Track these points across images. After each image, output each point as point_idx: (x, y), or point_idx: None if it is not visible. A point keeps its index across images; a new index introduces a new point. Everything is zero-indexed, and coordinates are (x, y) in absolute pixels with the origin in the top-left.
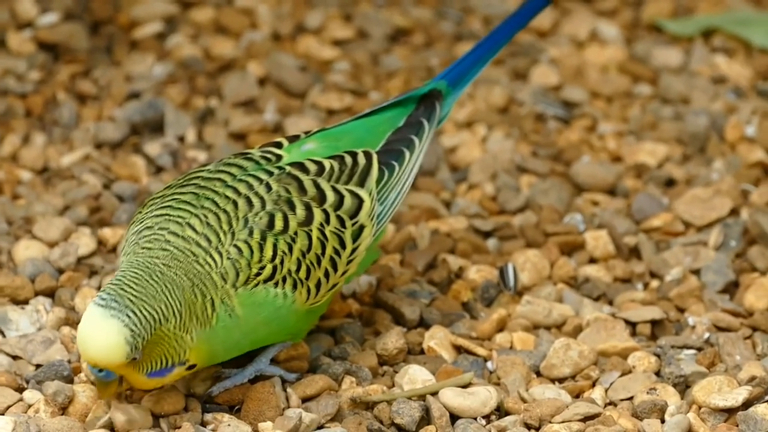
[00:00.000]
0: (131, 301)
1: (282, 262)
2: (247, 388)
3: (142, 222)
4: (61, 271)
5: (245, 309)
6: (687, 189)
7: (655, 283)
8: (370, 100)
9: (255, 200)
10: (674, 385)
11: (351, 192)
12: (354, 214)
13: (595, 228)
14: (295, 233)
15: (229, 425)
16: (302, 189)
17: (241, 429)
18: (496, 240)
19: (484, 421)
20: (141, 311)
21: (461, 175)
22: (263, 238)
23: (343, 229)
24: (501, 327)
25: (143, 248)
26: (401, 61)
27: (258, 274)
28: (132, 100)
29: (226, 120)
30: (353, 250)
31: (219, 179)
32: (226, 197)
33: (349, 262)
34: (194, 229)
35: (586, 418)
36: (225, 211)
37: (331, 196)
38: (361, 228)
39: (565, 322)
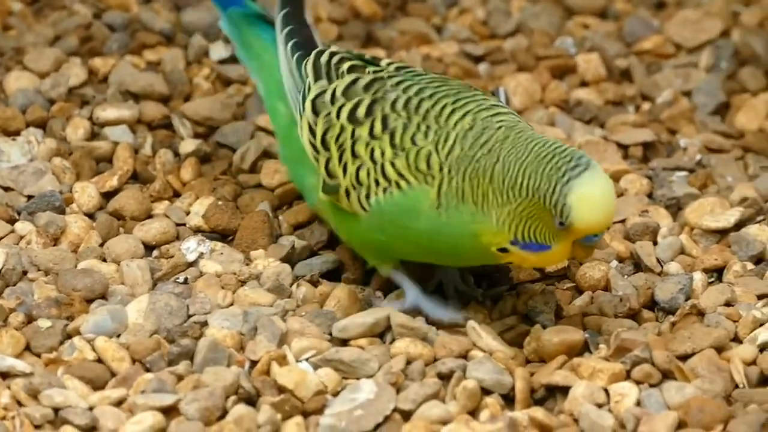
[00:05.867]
0: None
1: None
2: (241, 216)
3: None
4: (52, 102)
5: None
6: (677, 11)
7: (646, 106)
8: None
9: None
10: (666, 207)
11: None
12: None
13: (586, 51)
14: None
15: (222, 253)
16: None
17: (234, 257)
18: (487, 64)
19: None
20: None
21: (452, 0)
22: None
23: None
24: None
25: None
26: None
27: None
28: None
29: None
30: None
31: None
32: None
33: None
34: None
35: None
36: None
37: None
38: None
39: None
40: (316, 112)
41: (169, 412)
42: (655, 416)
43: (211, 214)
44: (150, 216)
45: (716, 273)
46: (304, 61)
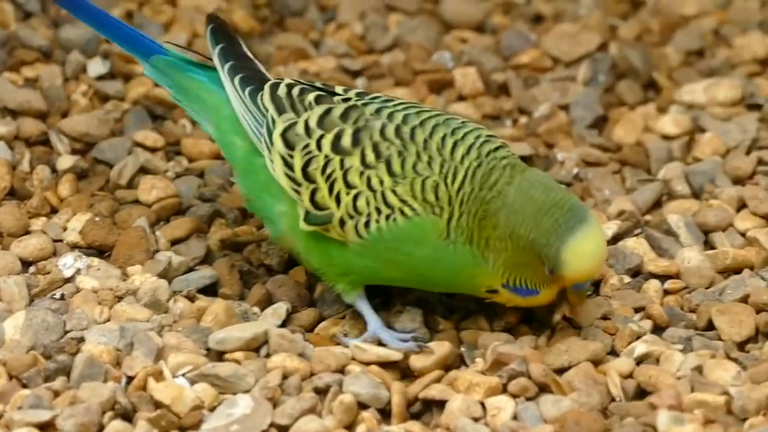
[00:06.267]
0: None
1: None
2: (118, 232)
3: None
4: None
5: None
6: (555, 25)
7: (523, 119)
8: None
9: None
10: None
11: None
12: None
13: (463, 65)
14: None
15: (99, 269)
16: None
17: (111, 272)
18: (365, 79)
19: None
20: None
21: (330, 15)
22: None
23: None
24: None
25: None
26: None
27: None
28: None
29: None
30: None
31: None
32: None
33: None
34: None
35: None
36: None
37: None
38: None
39: None
40: (289, 145)
41: (46, 428)
42: (531, 430)
43: (88, 230)
44: (27, 232)
45: (593, 286)
46: (259, 95)
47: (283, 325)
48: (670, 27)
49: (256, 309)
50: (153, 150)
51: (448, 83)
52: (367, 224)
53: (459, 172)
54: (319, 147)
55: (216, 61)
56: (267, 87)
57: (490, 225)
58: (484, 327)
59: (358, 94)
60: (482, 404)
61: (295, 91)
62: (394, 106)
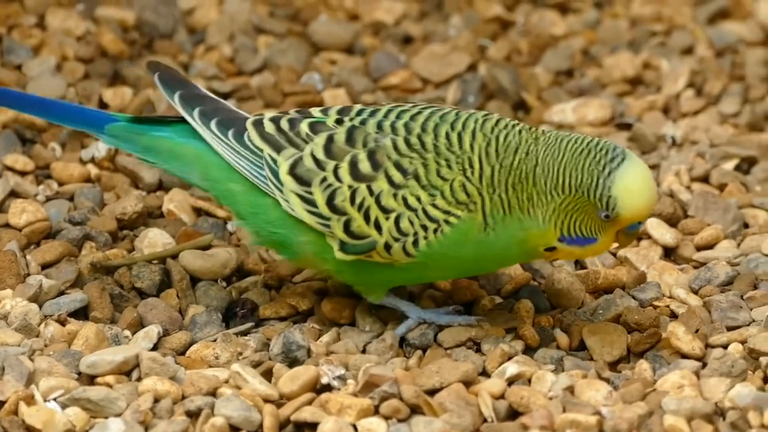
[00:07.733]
0: None
1: None
2: None
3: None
4: None
5: None
6: (424, 46)
7: None
8: None
9: None
10: None
11: None
12: None
13: (333, 87)
14: None
15: None
16: None
17: None
18: (234, 101)
19: (224, 283)
20: None
21: (199, 37)
22: None
23: None
24: None
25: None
26: None
27: None
28: None
29: None
30: None
31: None
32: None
33: None
34: None
35: None
36: None
37: None
38: None
39: None
40: (303, 181)
41: None
42: None
43: None
44: None
45: (465, 307)
46: (245, 136)
47: (155, 348)
48: (539, 47)
49: (127, 332)
50: (23, 174)
51: (317, 105)
52: (415, 242)
53: (474, 161)
54: (338, 178)
55: (181, 110)
56: (250, 126)
57: (529, 184)
58: (354, 349)
59: (339, 111)
60: (354, 426)
61: (284, 124)
62: (385, 115)
